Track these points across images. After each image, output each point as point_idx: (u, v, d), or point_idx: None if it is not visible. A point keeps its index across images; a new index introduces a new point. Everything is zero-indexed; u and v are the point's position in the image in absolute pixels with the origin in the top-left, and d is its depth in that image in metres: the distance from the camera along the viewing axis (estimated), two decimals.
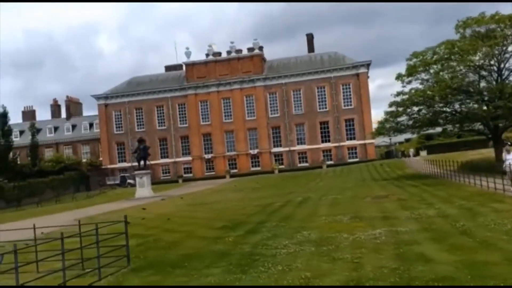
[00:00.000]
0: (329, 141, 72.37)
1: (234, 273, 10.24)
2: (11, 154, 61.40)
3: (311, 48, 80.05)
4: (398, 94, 35.74)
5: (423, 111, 36.77)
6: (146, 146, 47.14)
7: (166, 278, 10.63)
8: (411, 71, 37.09)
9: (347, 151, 71.88)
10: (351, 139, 71.82)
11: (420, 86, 35.94)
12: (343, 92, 72.35)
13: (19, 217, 33.70)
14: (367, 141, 70.96)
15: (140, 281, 10.53)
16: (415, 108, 36.60)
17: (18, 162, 66.05)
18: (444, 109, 36.67)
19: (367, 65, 72.30)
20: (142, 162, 46.03)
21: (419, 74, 37.44)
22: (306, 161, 72.73)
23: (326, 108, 72.67)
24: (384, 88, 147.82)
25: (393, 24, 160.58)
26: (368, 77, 73.39)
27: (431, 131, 48.16)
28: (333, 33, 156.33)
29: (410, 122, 38.30)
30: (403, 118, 37.74)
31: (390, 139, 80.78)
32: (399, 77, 37.40)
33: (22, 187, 58.04)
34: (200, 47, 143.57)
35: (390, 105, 36.29)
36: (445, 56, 35.66)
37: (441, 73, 35.16)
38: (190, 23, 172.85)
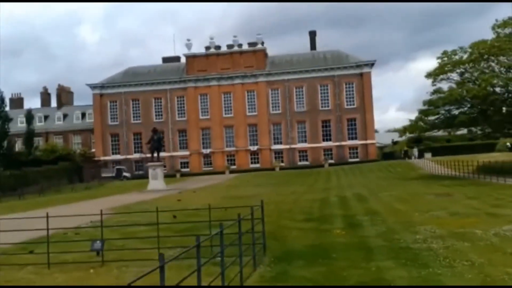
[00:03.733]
0: (330, 140, 71.80)
1: (414, 267, 9.29)
2: (5, 142, 58.52)
3: (313, 45, 79.46)
4: (434, 92, 35.33)
5: (454, 111, 36.53)
6: (160, 137, 45.50)
7: (331, 268, 9.59)
8: (441, 70, 36.80)
9: (348, 151, 71.49)
10: (352, 138, 71.42)
11: (454, 86, 35.62)
12: (346, 91, 71.88)
13: (43, 205, 31.65)
14: (368, 141, 70.82)
15: (308, 272, 9.44)
16: (446, 108, 36.32)
17: (14, 150, 63.28)
18: (474, 109, 36.47)
19: (371, 64, 72.08)
20: (155, 154, 44.37)
21: (447, 74, 37.22)
22: (307, 160, 72.00)
23: (328, 106, 72.06)
24: None
25: (378, 30, 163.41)
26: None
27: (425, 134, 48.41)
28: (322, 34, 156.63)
29: (437, 122, 38.07)
30: (432, 118, 37.42)
31: (393, 140, 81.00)
32: (429, 75, 37.04)
33: (17, 175, 55.51)
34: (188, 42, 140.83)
35: (424, 103, 35.88)
36: (477, 56, 35.45)
37: (475, 73, 34.92)
38: (176, 18, 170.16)
